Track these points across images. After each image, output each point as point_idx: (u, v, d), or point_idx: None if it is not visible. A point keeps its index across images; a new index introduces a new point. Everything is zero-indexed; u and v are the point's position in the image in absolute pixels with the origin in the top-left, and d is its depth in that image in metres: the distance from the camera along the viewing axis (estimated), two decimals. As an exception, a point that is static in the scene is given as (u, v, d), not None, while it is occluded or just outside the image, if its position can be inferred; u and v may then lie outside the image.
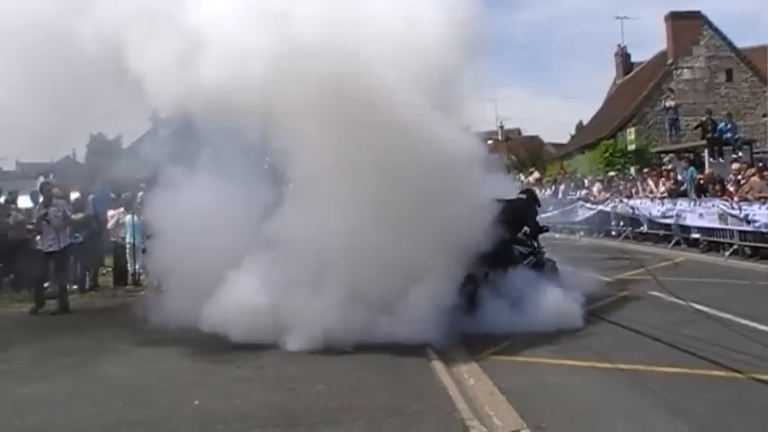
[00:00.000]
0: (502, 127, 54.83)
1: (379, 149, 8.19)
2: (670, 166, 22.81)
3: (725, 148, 22.90)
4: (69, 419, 6.28)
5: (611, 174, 26.37)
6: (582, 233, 23.70)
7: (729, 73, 33.22)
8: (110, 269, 15.90)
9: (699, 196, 17.92)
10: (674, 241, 18.40)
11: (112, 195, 16.29)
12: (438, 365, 7.62)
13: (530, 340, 8.59)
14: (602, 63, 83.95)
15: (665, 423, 5.83)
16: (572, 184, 27.35)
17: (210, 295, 9.10)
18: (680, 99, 29.42)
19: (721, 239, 16.28)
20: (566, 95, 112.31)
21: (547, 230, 12.04)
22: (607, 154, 31.97)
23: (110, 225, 15.35)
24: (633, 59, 41.19)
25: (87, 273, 14.86)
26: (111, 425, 6.05)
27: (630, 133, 31.89)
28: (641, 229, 20.43)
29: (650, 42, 74.23)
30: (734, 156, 20.97)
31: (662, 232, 19.27)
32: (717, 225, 16.22)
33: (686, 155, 23.75)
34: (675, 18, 33.37)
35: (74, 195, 15.51)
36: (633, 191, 22.05)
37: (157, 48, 8.32)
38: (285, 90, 8.23)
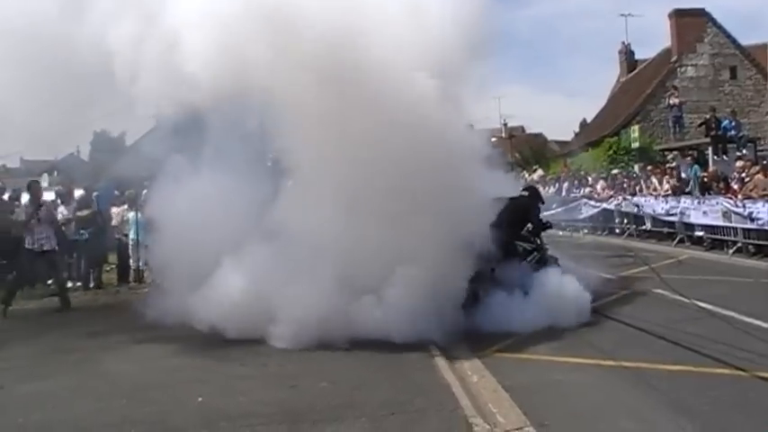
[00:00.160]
0: (506, 124, 54.82)
1: (380, 144, 8.17)
2: (674, 164, 22.75)
3: (729, 145, 22.79)
4: (72, 417, 6.29)
5: (615, 171, 26.30)
6: (585, 231, 23.63)
7: (733, 70, 33.16)
8: (113, 266, 15.94)
9: (703, 194, 17.86)
10: (677, 239, 18.35)
11: (116, 192, 16.33)
12: (441, 362, 7.62)
13: (533, 337, 8.59)
14: (607, 60, 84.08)
15: (669, 421, 5.82)
16: (576, 182, 27.28)
17: (205, 291, 9.15)
18: (684, 96, 29.37)
19: (725, 237, 16.24)
20: (570, 93, 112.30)
21: (550, 227, 12.02)
22: (611, 151, 31.90)
23: (115, 222, 15.40)
24: (637, 57, 41.14)
25: (91, 270, 14.88)
26: (114, 422, 6.05)
27: (634, 131, 31.80)
28: (645, 226, 20.37)
29: (654, 40, 73.97)
30: (738, 153, 20.95)
31: (666, 230, 19.23)
32: (721, 223, 16.18)
33: (690, 152, 23.71)
34: (680, 15, 33.31)
35: (78, 192, 15.57)
36: (637, 188, 21.99)
37: (148, 46, 8.38)
38: (283, 76, 8.22)
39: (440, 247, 8.45)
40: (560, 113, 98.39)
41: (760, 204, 14.73)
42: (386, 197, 8.25)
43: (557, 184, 28.56)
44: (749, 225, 15.07)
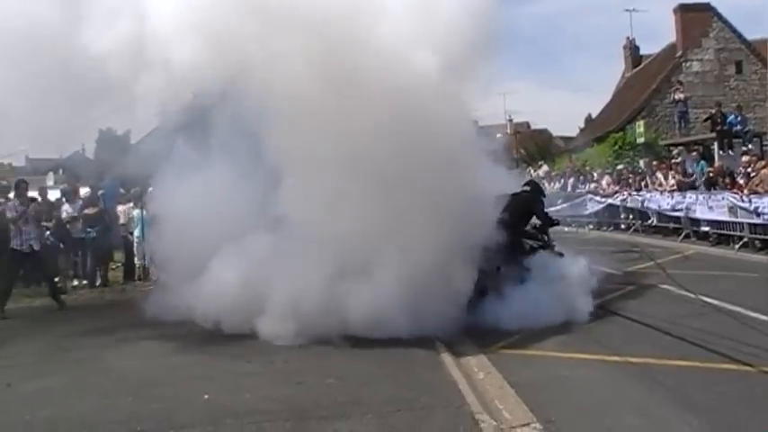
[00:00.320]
0: (511, 120, 54.71)
1: (381, 139, 8.15)
2: (679, 159, 22.68)
3: (734, 140, 22.72)
4: (79, 413, 6.30)
5: (621, 167, 26.22)
6: (591, 226, 23.58)
7: (739, 65, 33.00)
8: (119, 264, 15.97)
9: (708, 189, 17.82)
10: (683, 234, 18.32)
11: (122, 190, 16.35)
12: (447, 359, 7.63)
13: (539, 333, 8.58)
14: (611, 56, 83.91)
15: (675, 416, 5.82)
16: (581, 178, 27.22)
17: (202, 284, 9.17)
18: (689, 92, 29.24)
19: (731, 232, 16.23)
20: (575, 88, 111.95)
21: (558, 223, 12.01)
22: (616, 147, 31.83)
23: (122, 220, 15.44)
24: (642, 52, 40.90)
25: (98, 268, 14.92)
26: (120, 419, 6.07)
27: (640, 126, 31.73)
28: (651, 222, 20.34)
29: (659, 35, 74.13)
30: (744, 148, 20.83)
31: (671, 225, 19.18)
32: (726, 218, 16.15)
33: (696, 147, 23.61)
34: (684, 10, 33.14)
35: (84, 191, 15.61)
36: (642, 184, 21.89)
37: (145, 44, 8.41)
38: (283, 67, 8.21)
39: (444, 244, 8.43)
40: (565, 109, 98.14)
41: (766, 199, 14.69)
42: (387, 192, 8.23)
43: (562, 180, 28.51)
44: (755, 220, 15.04)
